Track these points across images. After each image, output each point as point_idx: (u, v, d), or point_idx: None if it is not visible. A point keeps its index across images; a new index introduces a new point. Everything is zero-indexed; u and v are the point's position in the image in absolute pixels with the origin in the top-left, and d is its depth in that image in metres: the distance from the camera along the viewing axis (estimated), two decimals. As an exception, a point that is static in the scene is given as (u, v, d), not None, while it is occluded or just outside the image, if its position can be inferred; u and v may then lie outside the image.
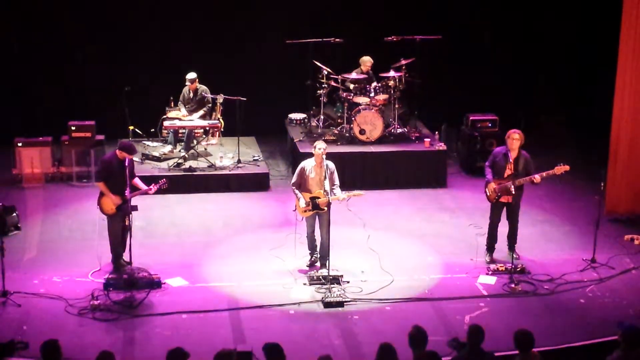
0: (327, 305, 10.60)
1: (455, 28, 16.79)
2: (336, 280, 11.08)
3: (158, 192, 11.57)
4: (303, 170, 11.38)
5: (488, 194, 11.61)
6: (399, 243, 12.51)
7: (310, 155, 11.54)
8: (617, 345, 7.97)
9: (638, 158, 13.33)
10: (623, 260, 11.95)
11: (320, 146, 11.22)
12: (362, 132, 14.98)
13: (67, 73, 16.42)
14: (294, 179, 11.46)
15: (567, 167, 11.29)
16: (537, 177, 11.29)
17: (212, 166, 14.85)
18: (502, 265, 11.54)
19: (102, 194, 11.24)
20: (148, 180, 11.81)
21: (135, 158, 13.62)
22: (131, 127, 15.56)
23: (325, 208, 11.14)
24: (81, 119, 15.12)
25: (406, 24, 15.92)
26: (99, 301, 10.45)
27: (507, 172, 11.43)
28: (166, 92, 15.79)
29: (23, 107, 16.34)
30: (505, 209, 11.64)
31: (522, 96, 17.38)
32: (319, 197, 11.20)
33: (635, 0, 12.79)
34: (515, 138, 11.36)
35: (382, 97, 15.13)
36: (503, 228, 11.81)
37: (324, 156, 11.17)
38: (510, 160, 11.38)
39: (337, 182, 11.33)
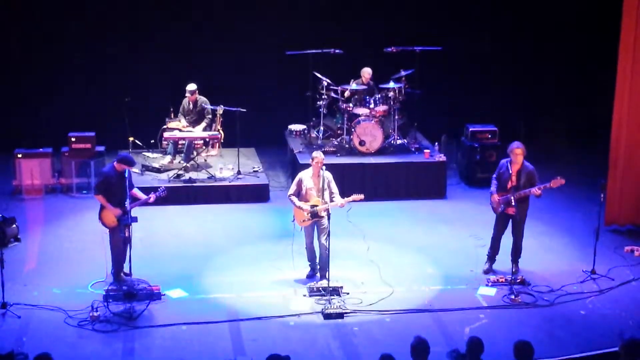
0: (327, 316, 10.58)
1: (454, 39, 16.79)
2: (336, 291, 11.07)
3: (158, 202, 11.59)
4: (301, 180, 11.38)
5: (493, 205, 11.63)
6: (398, 254, 12.50)
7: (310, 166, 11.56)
8: (617, 356, 7.95)
9: (638, 169, 13.33)
10: (623, 271, 11.94)
11: (316, 156, 11.25)
12: (361, 143, 14.98)
13: (67, 84, 16.42)
14: (291, 189, 11.46)
15: (562, 181, 11.28)
16: (537, 191, 11.27)
17: (212, 177, 14.84)
18: (502, 276, 11.54)
19: (102, 207, 11.23)
20: (148, 191, 11.79)
21: (135, 169, 13.65)
22: (131, 138, 15.57)
23: (324, 215, 11.16)
24: (81, 130, 15.12)
25: (406, 36, 15.94)
26: (98, 313, 10.43)
27: (510, 184, 11.45)
28: (166, 103, 15.81)
29: (23, 119, 16.34)
30: (510, 222, 11.65)
31: (521, 107, 17.38)
32: (316, 205, 11.21)
33: (634, 6, 12.79)
34: (517, 153, 11.35)
35: (381, 108, 15.13)
36: (506, 240, 11.80)
37: (322, 166, 11.20)
38: (511, 173, 11.39)
39: (335, 190, 11.34)
